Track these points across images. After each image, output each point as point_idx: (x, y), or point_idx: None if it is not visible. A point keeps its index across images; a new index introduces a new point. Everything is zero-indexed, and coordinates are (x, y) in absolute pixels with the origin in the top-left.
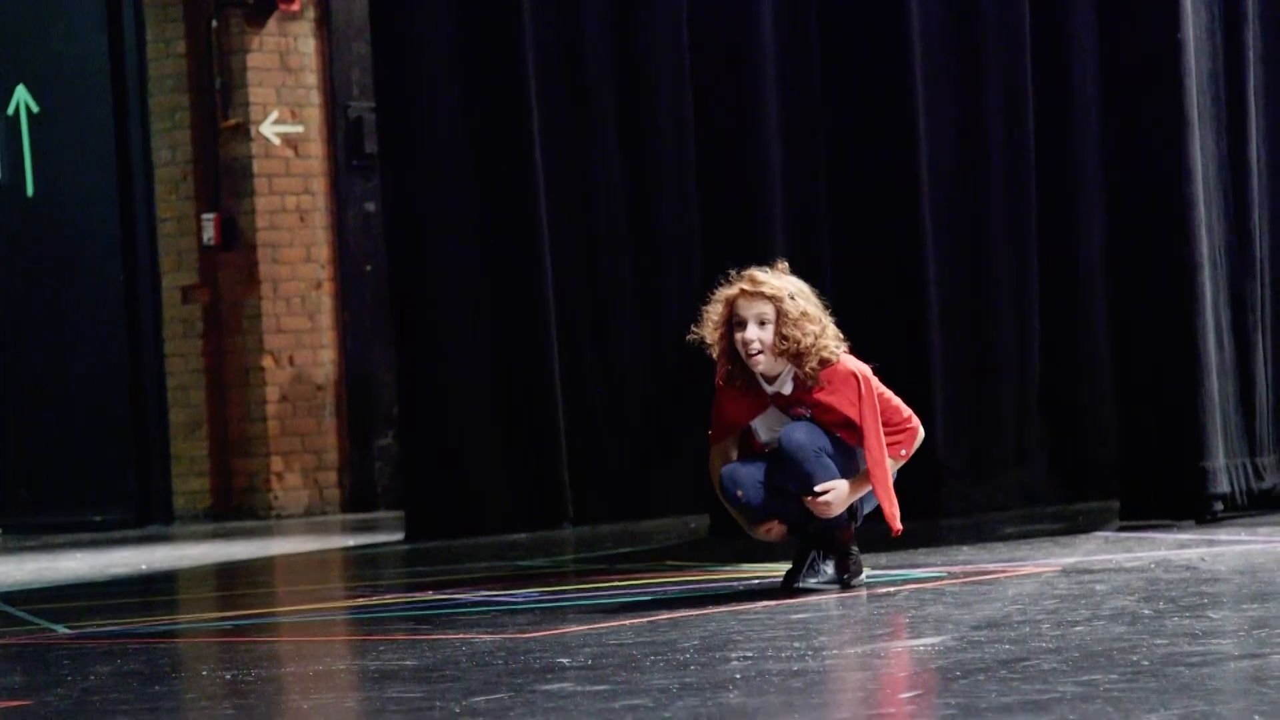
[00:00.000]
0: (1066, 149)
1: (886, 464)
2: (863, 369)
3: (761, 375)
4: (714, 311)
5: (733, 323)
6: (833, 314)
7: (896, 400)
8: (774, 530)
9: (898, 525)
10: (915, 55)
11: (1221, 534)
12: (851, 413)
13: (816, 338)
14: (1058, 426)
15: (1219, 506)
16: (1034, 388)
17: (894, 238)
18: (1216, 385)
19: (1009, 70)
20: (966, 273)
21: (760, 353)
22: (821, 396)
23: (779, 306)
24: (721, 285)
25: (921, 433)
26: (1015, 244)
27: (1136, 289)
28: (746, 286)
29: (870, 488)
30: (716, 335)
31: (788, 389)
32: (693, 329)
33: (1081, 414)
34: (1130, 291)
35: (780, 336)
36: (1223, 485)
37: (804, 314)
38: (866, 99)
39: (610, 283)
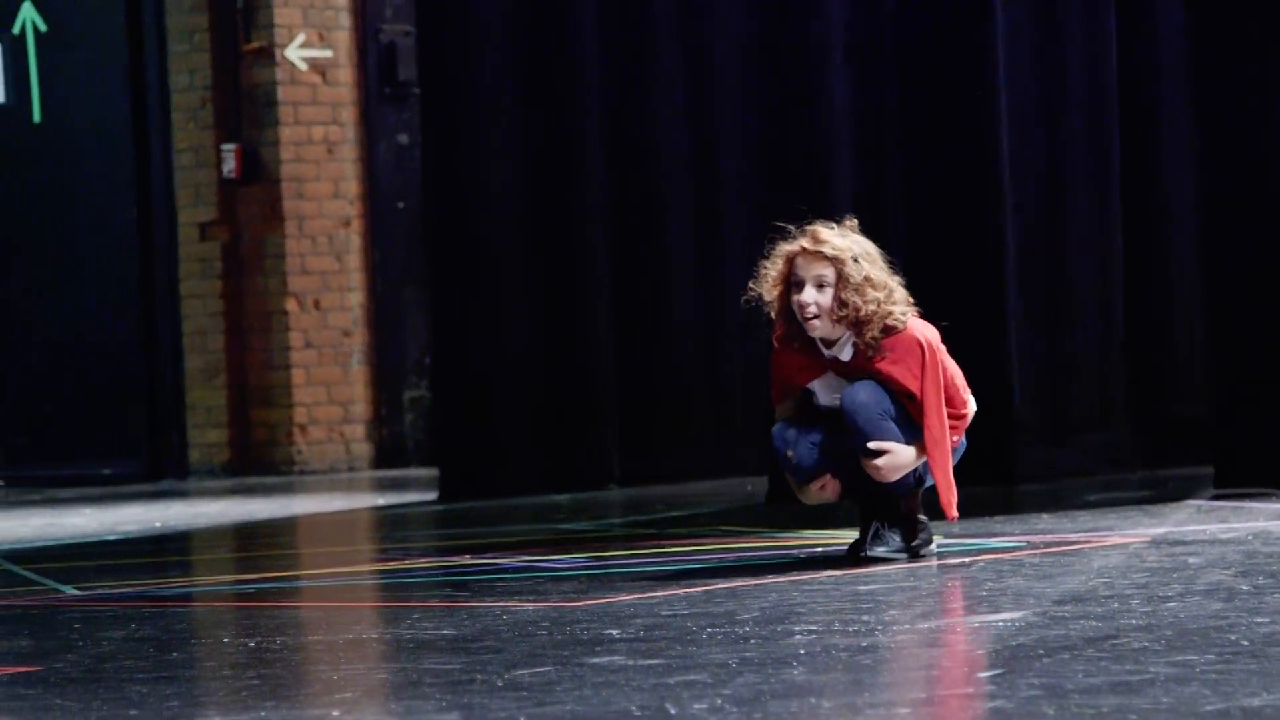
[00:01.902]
0: (1153, 74)
1: (947, 443)
2: (929, 337)
3: (819, 340)
4: (773, 267)
5: (791, 282)
6: (900, 261)
7: (960, 379)
8: (828, 487)
9: (953, 512)
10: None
11: None
12: (913, 386)
13: (880, 304)
14: (1144, 383)
15: None
16: (1117, 339)
17: (966, 172)
18: None
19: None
20: (1043, 211)
21: (816, 317)
22: (883, 366)
23: (840, 269)
24: (783, 240)
25: (973, 413)
26: (1095, 177)
27: (1234, 226)
28: (807, 244)
29: (924, 458)
30: (775, 293)
31: (846, 355)
32: (750, 285)
33: (1171, 369)
34: (1227, 229)
35: (839, 302)
36: None
37: (867, 279)
38: (940, 28)
39: (668, 227)
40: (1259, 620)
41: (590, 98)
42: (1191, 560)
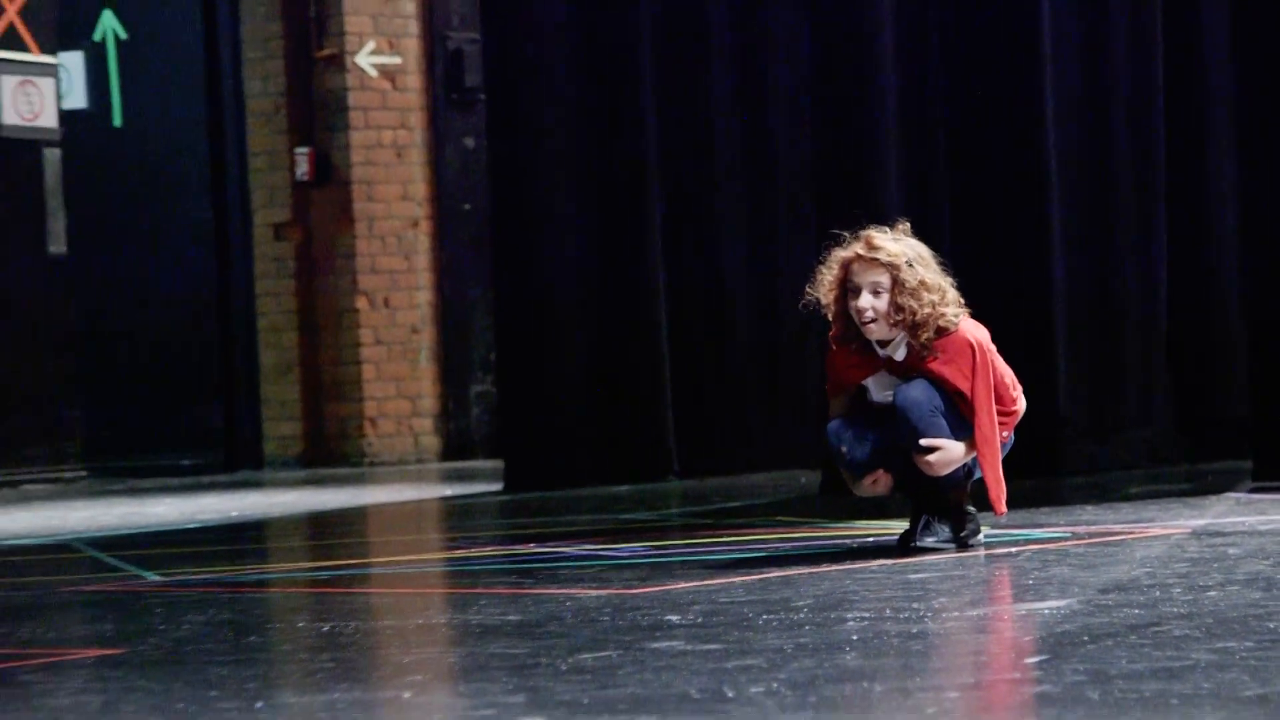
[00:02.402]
0: (1198, 77)
1: (996, 441)
2: (980, 338)
3: (874, 340)
4: (829, 273)
5: (847, 287)
6: (950, 260)
7: (1010, 378)
8: (880, 481)
9: (1002, 508)
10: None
11: None
12: (964, 386)
13: (934, 307)
14: (1185, 379)
15: None
16: (1160, 336)
17: (1015, 173)
18: None
19: (1137, 8)
20: (1089, 210)
21: (874, 321)
22: (935, 366)
23: (895, 275)
24: (837, 246)
25: (1023, 410)
26: (1140, 176)
27: (1274, 225)
28: (862, 251)
29: (974, 453)
30: (831, 297)
31: (900, 355)
32: (806, 289)
33: (1211, 365)
34: (1267, 228)
35: (895, 307)
36: None
37: (921, 283)
38: (986, 27)
39: (723, 228)
40: None
41: (648, 103)
42: (1231, 551)
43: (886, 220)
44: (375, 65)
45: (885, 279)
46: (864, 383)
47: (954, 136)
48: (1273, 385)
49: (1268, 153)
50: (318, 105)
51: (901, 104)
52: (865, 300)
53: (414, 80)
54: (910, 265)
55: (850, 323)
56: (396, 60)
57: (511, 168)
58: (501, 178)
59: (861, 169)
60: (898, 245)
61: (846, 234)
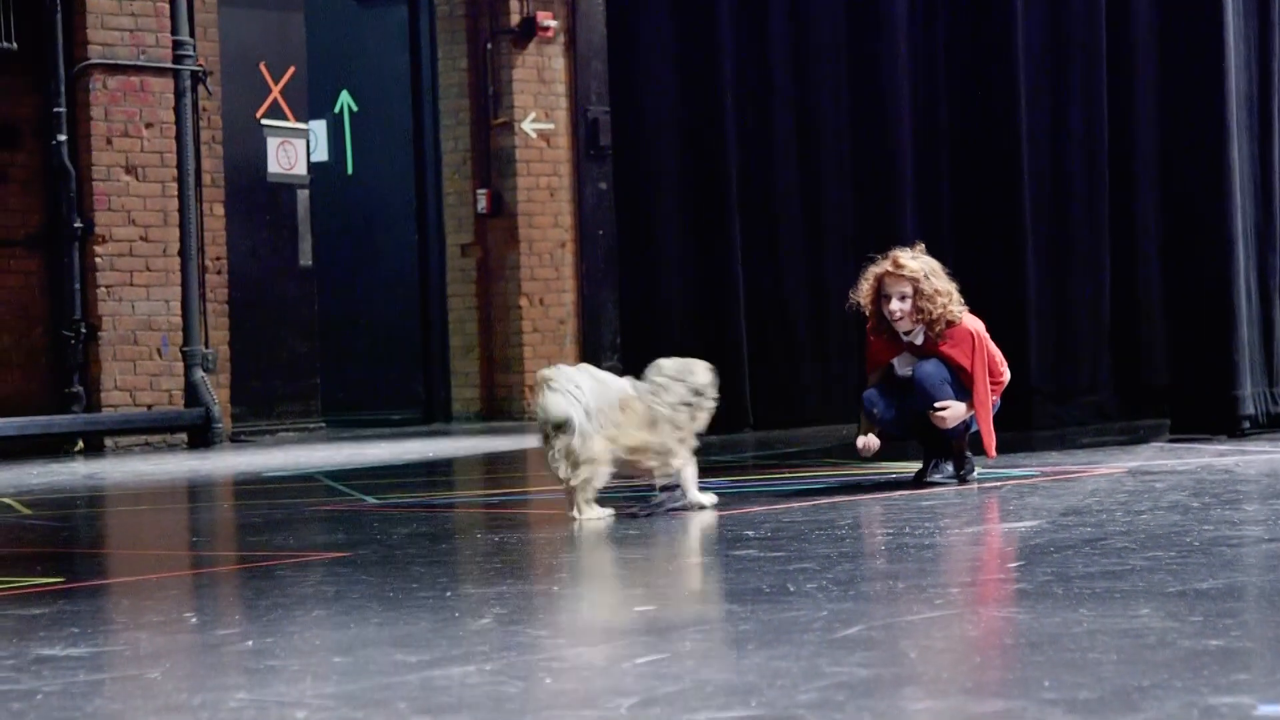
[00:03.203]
0: (1131, 147)
1: (989, 404)
2: (978, 328)
3: (901, 331)
4: (867, 284)
5: (881, 294)
6: (953, 270)
7: (1000, 357)
8: (868, 447)
9: (993, 452)
10: (1019, 63)
11: (1250, 446)
12: (966, 363)
13: (944, 307)
14: (1123, 360)
15: (1246, 425)
16: (1105, 329)
17: (997, 211)
18: (1245, 332)
19: (1088, 79)
20: (1052, 236)
21: (901, 319)
22: (945, 349)
23: (917, 286)
24: (871, 264)
25: (1008, 380)
26: (1090, 214)
27: (1186, 258)
28: (891, 269)
29: (972, 412)
30: (868, 301)
31: (919, 340)
32: (850, 294)
33: (1142, 351)
34: (1181, 259)
35: (917, 309)
36: (1249, 408)
37: (936, 290)
38: (980, 109)
39: (785, 247)
40: (1205, 528)
41: (731, 160)
42: (1157, 485)
43: (907, 242)
44: (535, 129)
45: (909, 289)
46: (892, 361)
47: (954, 184)
48: (1183, 364)
49: (1182, 203)
50: (493, 158)
51: (917, 157)
52: (895, 305)
53: (563, 140)
54: (927, 277)
55: (883, 319)
56: (550, 126)
57: (632, 205)
58: (624, 212)
59: (886, 208)
60: (917, 263)
61: (878, 256)
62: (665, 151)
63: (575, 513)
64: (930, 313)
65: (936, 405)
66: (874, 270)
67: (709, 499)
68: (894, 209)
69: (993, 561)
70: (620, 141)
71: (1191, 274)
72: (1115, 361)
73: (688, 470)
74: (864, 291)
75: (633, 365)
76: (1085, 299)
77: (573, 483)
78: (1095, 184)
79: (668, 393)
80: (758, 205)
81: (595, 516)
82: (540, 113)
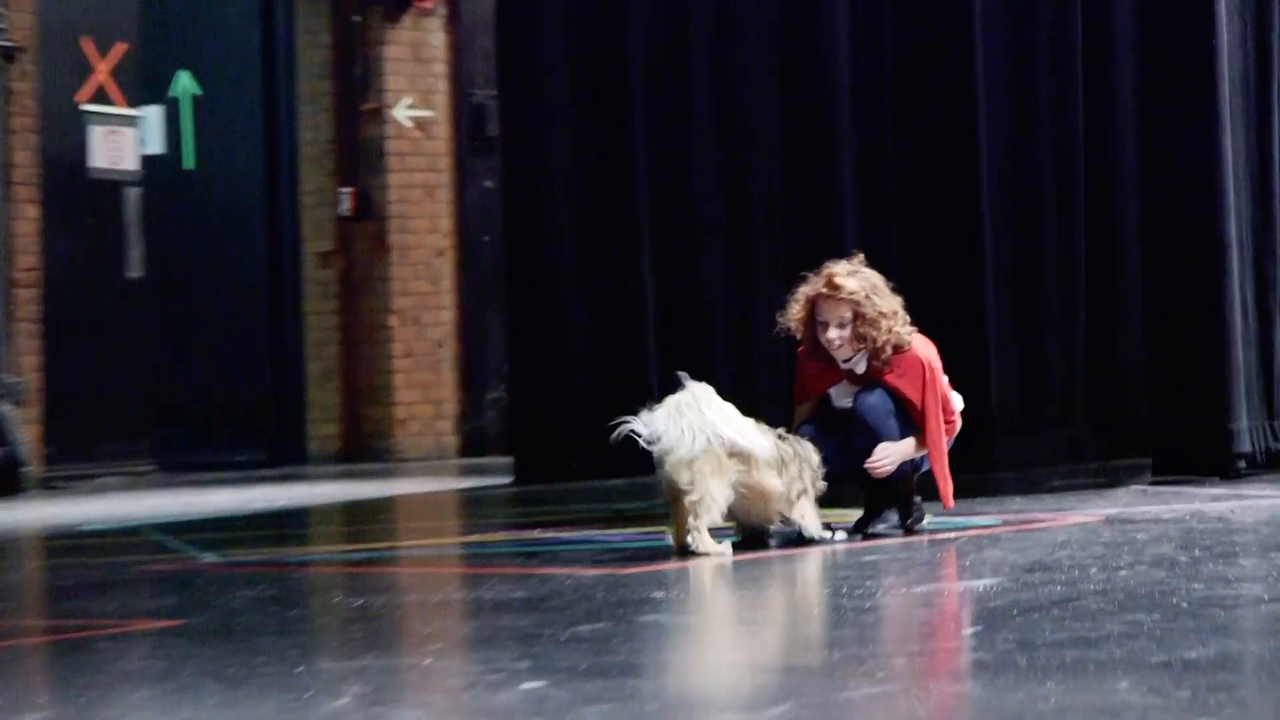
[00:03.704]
0: (1110, 136)
1: (944, 445)
2: (929, 356)
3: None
4: (797, 306)
5: (816, 320)
6: (898, 284)
7: (951, 393)
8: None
9: (950, 503)
10: (977, 58)
11: (1248, 489)
12: (915, 397)
13: (890, 332)
14: (1099, 388)
15: (1242, 464)
16: (1078, 352)
17: (953, 210)
18: (1241, 355)
19: (1059, 68)
20: (1019, 244)
21: (841, 347)
22: (890, 379)
23: (857, 309)
24: (803, 283)
25: (959, 422)
26: (1063, 217)
27: (1170, 267)
28: (826, 290)
29: (922, 451)
30: (800, 329)
31: (860, 369)
32: (779, 319)
33: (1121, 376)
34: (1164, 269)
35: (858, 336)
36: (1245, 445)
37: (880, 313)
38: (930, 99)
39: (703, 253)
40: (1195, 586)
41: (639, 148)
42: (1139, 536)
43: (844, 252)
44: (410, 117)
45: (848, 313)
46: (828, 391)
47: (903, 187)
48: (1169, 393)
49: (1164, 202)
50: (360, 151)
51: (860, 148)
52: (833, 334)
53: (442, 130)
54: (869, 298)
55: (818, 341)
56: (428, 113)
57: (522, 205)
58: (514, 213)
59: (825, 222)
60: (856, 280)
61: (810, 274)
62: (563, 144)
63: (689, 540)
64: (874, 340)
65: (868, 465)
66: (806, 291)
67: (722, 546)
68: (831, 207)
69: (945, 627)
70: (510, 132)
71: (1178, 285)
72: (1090, 389)
73: (811, 519)
74: (794, 315)
75: (522, 397)
76: (1054, 315)
77: (691, 497)
78: (1065, 178)
79: (798, 445)
80: (672, 209)
81: (714, 550)
82: (416, 97)
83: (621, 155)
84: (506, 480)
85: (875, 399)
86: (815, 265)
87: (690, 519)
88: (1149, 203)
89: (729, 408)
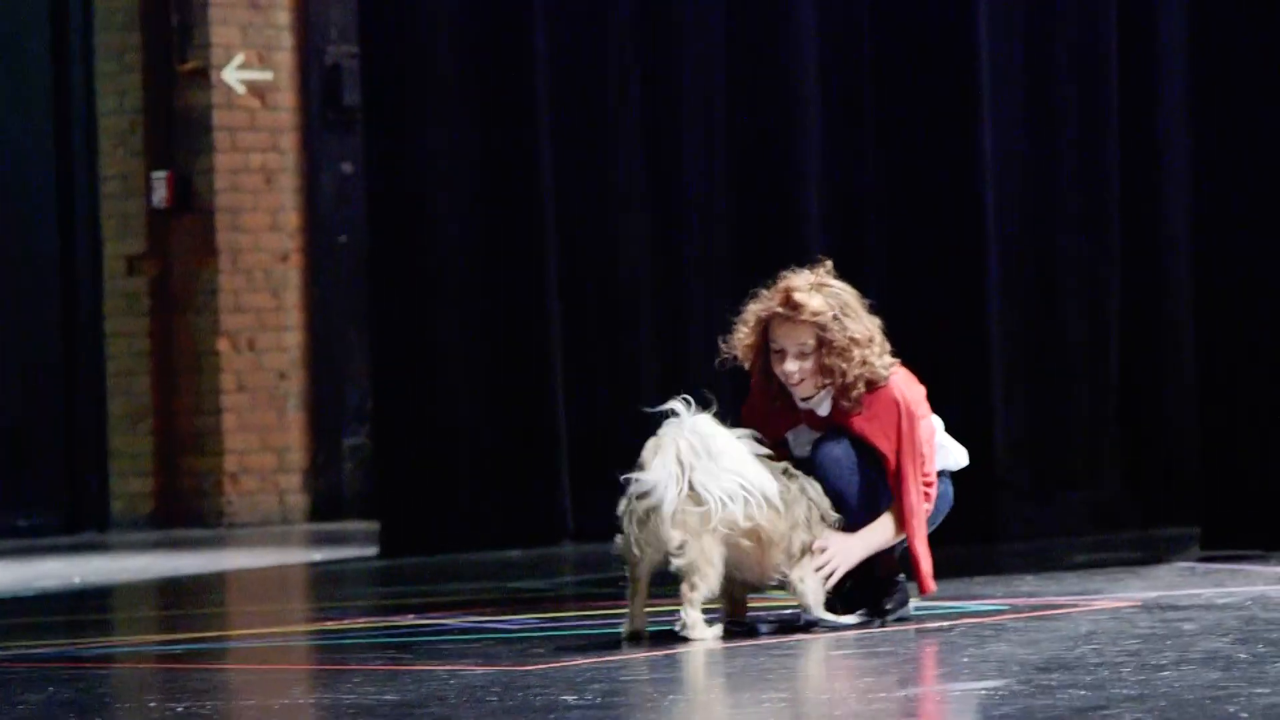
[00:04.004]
0: (1152, 128)
1: (923, 514)
2: (909, 399)
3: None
4: (747, 331)
5: (771, 349)
6: (876, 301)
7: (949, 443)
8: None
9: (931, 585)
10: (981, 27)
11: None
12: (885, 447)
13: (865, 364)
14: (1134, 439)
15: None
16: (1110, 393)
17: (948, 218)
18: None
19: (1086, 39)
20: (1034, 260)
21: (801, 382)
22: (858, 424)
23: (822, 335)
24: (754, 298)
25: (935, 496)
26: (1091, 229)
27: (1229, 286)
28: (783, 311)
29: (890, 538)
30: (750, 356)
31: (824, 410)
32: (721, 345)
33: (1161, 425)
34: (1221, 288)
35: (822, 368)
36: None
37: (851, 340)
38: (921, 70)
39: (625, 271)
40: (1259, 691)
41: (542, 124)
42: (1186, 626)
43: (806, 259)
44: (243, 81)
45: (810, 339)
46: (785, 435)
47: (887, 172)
48: (1224, 446)
49: (1222, 198)
50: (179, 124)
51: (830, 159)
52: (791, 365)
53: (286, 98)
54: (837, 319)
55: (774, 379)
56: (267, 76)
57: (392, 196)
58: (381, 207)
59: (784, 204)
60: (820, 298)
61: (763, 291)
62: (447, 117)
63: (682, 620)
64: (843, 374)
65: (815, 545)
66: (758, 310)
67: (715, 631)
68: (792, 208)
69: None
70: (376, 101)
71: (1238, 308)
72: (1123, 441)
73: (814, 587)
74: (742, 341)
75: (391, 444)
76: (1079, 344)
77: (681, 561)
78: (1095, 159)
79: (807, 484)
80: (585, 205)
81: (707, 635)
82: (252, 55)
83: (523, 131)
84: (370, 551)
85: (840, 450)
86: (769, 276)
87: (685, 589)
88: (1202, 208)
89: (737, 447)
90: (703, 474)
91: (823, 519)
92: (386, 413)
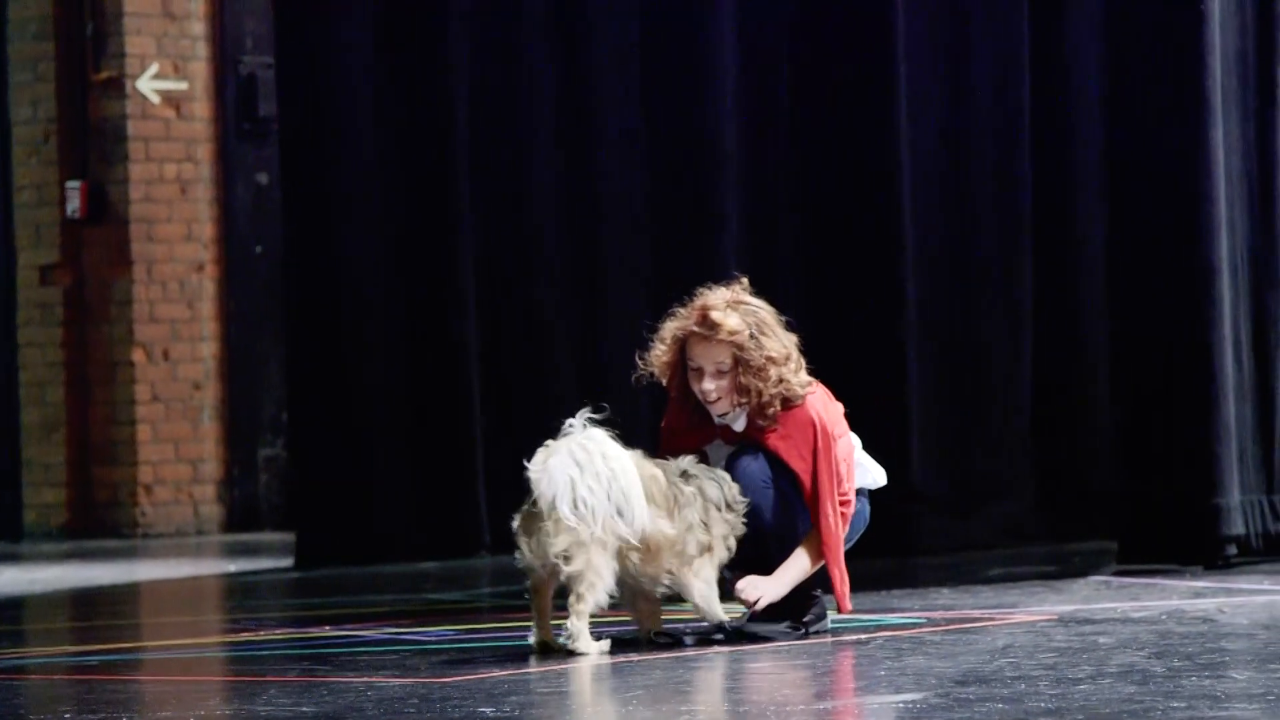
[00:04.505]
0: (1064, 136)
1: (840, 534)
2: (825, 419)
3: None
4: (666, 350)
5: (689, 367)
6: (796, 331)
7: (867, 462)
8: None
9: (848, 605)
10: (898, 30)
11: (1240, 582)
12: (799, 467)
13: (781, 382)
14: (1049, 453)
15: (1232, 550)
16: (1024, 406)
17: (865, 232)
18: (1233, 410)
19: (1000, 44)
20: (949, 274)
21: (718, 400)
22: (773, 441)
23: (738, 355)
24: (671, 316)
25: (852, 514)
26: (1005, 241)
27: (1143, 296)
28: (700, 330)
29: (808, 568)
30: (668, 373)
31: (739, 425)
32: (639, 361)
33: (1077, 439)
34: (1135, 299)
35: (739, 388)
36: (1237, 526)
37: (768, 359)
38: (837, 77)
39: (544, 279)
40: (1175, 705)
41: (461, 131)
42: (1102, 640)
43: (722, 276)
44: (158, 91)
45: (727, 358)
46: (703, 449)
47: (799, 185)
48: (1141, 459)
49: (1135, 215)
50: (93, 134)
51: (744, 151)
52: (709, 384)
53: (201, 108)
54: (754, 338)
55: (689, 391)
56: (182, 86)
57: (308, 206)
58: (296, 218)
59: (699, 245)
60: (737, 317)
61: (680, 310)
62: (362, 128)
63: (568, 631)
64: (759, 393)
65: (738, 587)
66: (674, 328)
67: (601, 645)
68: (710, 216)
69: None
70: (292, 112)
71: (1153, 322)
72: (1039, 454)
73: (701, 585)
74: (660, 357)
75: (306, 455)
76: (996, 366)
77: (570, 569)
78: (1009, 172)
79: (706, 484)
80: (503, 215)
81: (593, 649)
82: (167, 65)
83: (441, 139)
84: (286, 563)
85: (755, 465)
86: (686, 290)
87: (572, 600)
88: (1116, 216)
89: (629, 460)
90: (591, 481)
91: (730, 507)
92: (302, 424)
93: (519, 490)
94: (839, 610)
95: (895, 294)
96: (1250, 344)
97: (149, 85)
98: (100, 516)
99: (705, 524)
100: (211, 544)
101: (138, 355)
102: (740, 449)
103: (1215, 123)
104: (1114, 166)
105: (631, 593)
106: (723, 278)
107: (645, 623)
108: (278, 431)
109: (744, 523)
